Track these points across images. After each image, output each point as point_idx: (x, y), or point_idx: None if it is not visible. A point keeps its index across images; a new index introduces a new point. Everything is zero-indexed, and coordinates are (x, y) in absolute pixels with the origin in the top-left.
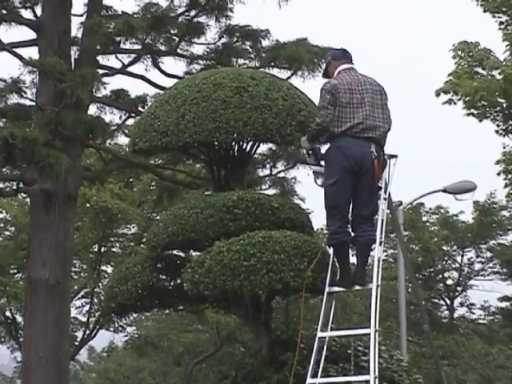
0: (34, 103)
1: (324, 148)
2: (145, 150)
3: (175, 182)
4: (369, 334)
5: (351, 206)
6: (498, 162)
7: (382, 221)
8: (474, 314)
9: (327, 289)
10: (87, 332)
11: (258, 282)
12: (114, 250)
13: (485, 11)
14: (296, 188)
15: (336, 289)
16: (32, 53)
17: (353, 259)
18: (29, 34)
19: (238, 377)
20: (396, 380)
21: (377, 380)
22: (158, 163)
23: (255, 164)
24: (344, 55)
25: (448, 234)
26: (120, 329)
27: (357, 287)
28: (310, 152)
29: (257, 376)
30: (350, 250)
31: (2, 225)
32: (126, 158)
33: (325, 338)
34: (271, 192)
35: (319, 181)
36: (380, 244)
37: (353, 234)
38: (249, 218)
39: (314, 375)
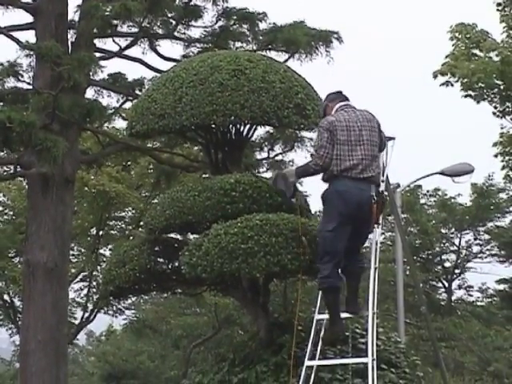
0: (31, 87)
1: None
2: (142, 133)
3: (173, 165)
4: (367, 317)
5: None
6: (495, 144)
7: None
8: (471, 296)
9: (307, 362)
10: (86, 315)
11: (256, 265)
12: (112, 233)
13: None
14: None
15: (316, 362)
16: (29, 36)
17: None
18: (26, 17)
19: (236, 359)
20: (394, 362)
21: (374, 362)
22: (155, 146)
23: (253, 147)
24: (339, 96)
25: (446, 216)
26: (118, 312)
27: (348, 315)
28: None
29: (255, 358)
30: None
31: (0, 208)
32: (124, 141)
33: (322, 320)
34: (269, 175)
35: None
36: (378, 226)
37: (343, 263)
38: (246, 201)
39: (312, 357)
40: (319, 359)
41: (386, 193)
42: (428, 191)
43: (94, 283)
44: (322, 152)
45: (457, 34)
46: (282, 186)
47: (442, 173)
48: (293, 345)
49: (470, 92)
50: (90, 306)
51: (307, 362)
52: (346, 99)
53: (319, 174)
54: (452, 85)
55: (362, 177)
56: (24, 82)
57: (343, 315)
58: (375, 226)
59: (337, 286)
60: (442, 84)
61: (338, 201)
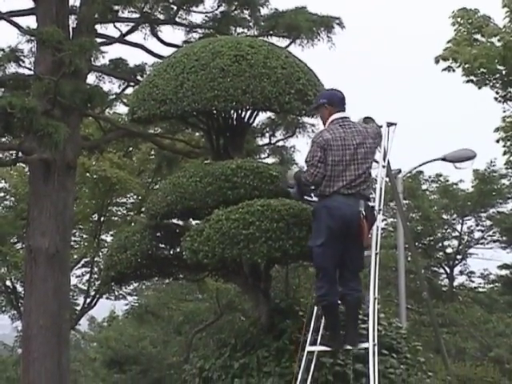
0: (32, 72)
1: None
2: (143, 118)
3: (174, 151)
4: (368, 302)
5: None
6: (497, 130)
7: (381, 189)
8: (473, 282)
9: (308, 348)
10: (87, 301)
11: (257, 251)
12: (113, 219)
13: None
14: (295, 157)
15: (318, 348)
16: (30, 22)
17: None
18: (27, 2)
19: (237, 345)
20: (395, 347)
21: (376, 347)
22: (157, 132)
23: (254, 133)
24: (340, 102)
25: (448, 202)
26: (120, 297)
27: (347, 347)
28: (294, 187)
29: (256, 344)
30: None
31: (1, 194)
32: (125, 127)
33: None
34: (270, 161)
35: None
36: (379, 212)
37: (341, 290)
38: (247, 187)
39: (313, 343)
40: (320, 344)
41: (386, 179)
42: (430, 177)
43: (96, 269)
44: (312, 170)
45: (459, 19)
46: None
47: (443, 159)
48: (304, 330)
49: (471, 77)
50: (92, 292)
51: (308, 348)
52: (344, 108)
53: (309, 187)
54: (454, 70)
55: (352, 192)
56: (25, 67)
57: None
58: (367, 246)
59: (334, 302)
60: (444, 69)
61: (326, 216)
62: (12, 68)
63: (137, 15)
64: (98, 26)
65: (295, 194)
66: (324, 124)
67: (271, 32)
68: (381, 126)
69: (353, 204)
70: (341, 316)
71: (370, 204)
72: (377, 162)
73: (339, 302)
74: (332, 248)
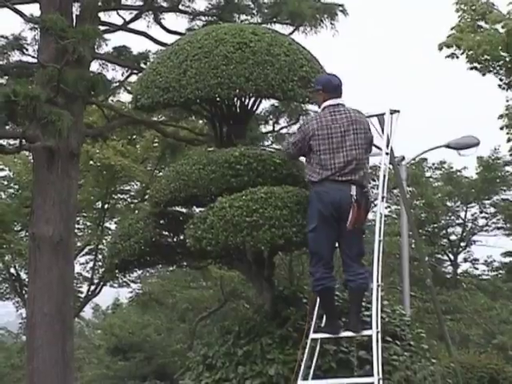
0: (35, 60)
1: None
2: (147, 106)
3: (178, 139)
4: (371, 289)
5: (338, 246)
6: (500, 117)
7: (384, 176)
8: (477, 269)
9: (312, 335)
10: (91, 289)
11: (261, 238)
12: (117, 206)
13: None
14: None
15: (321, 335)
16: (33, 9)
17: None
18: None
19: (241, 332)
20: (398, 334)
21: (379, 334)
22: (160, 120)
23: (258, 120)
24: (335, 89)
25: (451, 189)
26: (124, 284)
27: (350, 334)
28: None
29: (260, 331)
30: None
31: (5, 182)
32: (129, 114)
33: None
34: (274, 148)
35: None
36: (382, 199)
37: (344, 277)
38: (251, 174)
39: (317, 330)
40: (318, 331)
41: (390, 166)
42: (434, 164)
43: (100, 257)
44: (289, 145)
45: (462, 6)
46: None
47: (447, 146)
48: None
49: (475, 64)
50: (96, 280)
51: (312, 335)
52: (340, 93)
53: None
54: (457, 57)
55: (343, 179)
56: (29, 55)
57: (344, 333)
58: (361, 226)
59: (330, 287)
60: (448, 56)
61: (317, 201)
62: (16, 56)
63: (140, 3)
64: (101, 14)
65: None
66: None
67: (274, 19)
68: (384, 114)
69: (343, 189)
70: (345, 303)
71: (365, 191)
72: (378, 148)
73: (343, 288)
74: (324, 233)
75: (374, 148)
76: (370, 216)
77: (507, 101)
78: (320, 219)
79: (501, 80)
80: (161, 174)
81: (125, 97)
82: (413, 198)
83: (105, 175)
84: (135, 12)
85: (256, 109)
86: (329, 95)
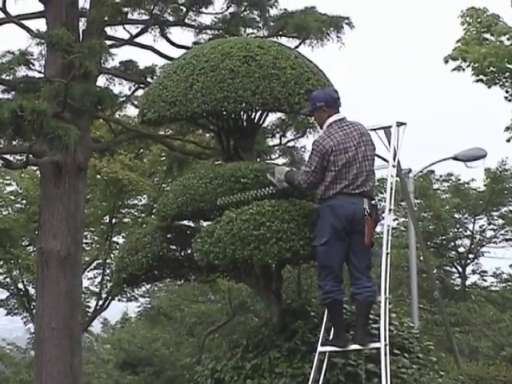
0: (42, 75)
1: None
2: (154, 120)
3: (185, 153)
4: (379, 302)
5: (346, 258)
6: (507, 129)
7: (391, 189)
8: (486, 281)
9: (319, 348)
10: (100, 303)
11: (268, 251)
12: (125, 220)
13: None
14: (305, 157)
15: (329, 348)
16: (40, 25)
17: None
18: (36, 5)
19: (249, 345)
20: (407, 347)
21: (387, 347)
22: (167, 134)
23: (264, 133)
24: (336, 103)
25: (459, 201)
26: (132, 298)
27: (357, 347)
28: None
29: (268, 344)
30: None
31: (12, 197)
32: (136, 129)
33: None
34: (281, 161)
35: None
36: (390, 212)
37: (352, 290)
38: (258, 188)
39: (325, 343)
40: (326, 344)
41: (397, 178)
42: (441, 176)
43: (108, 271)
44: (308, 176)
45: (468, 19)
46: (272, 179)
47: (455, 158)
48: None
49: (481, 76)
50: (104, 294)
51: (320, 348)
52: (339, 108)
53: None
54: (463, 69)
55: (355, 192)
56: (35, 70)
57: (352, 347)
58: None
59: (338, 299)
60: (454, 69)
61: (330, 215)
62: (22, 71)
63: (146, 17)
64: (107, 29)
65: (277, 186)
66: (321, 126)
67: (280, 32)
68: (390, 126)
69: (356, 202)
70: (352, 316)
71: (374, 203)
72: (385, 160)
73: (350, 301)
74: (336, 246)
75: (380, 160)
76: (378, 228)
77: None
78: (332, 233)
79: (507, 92)
80: (168, 188)
81: (132, 111)
82: (420, 211)
83: (112, 189)
84: (141, 26)
85: (263, 122)
86: (331, 110)
